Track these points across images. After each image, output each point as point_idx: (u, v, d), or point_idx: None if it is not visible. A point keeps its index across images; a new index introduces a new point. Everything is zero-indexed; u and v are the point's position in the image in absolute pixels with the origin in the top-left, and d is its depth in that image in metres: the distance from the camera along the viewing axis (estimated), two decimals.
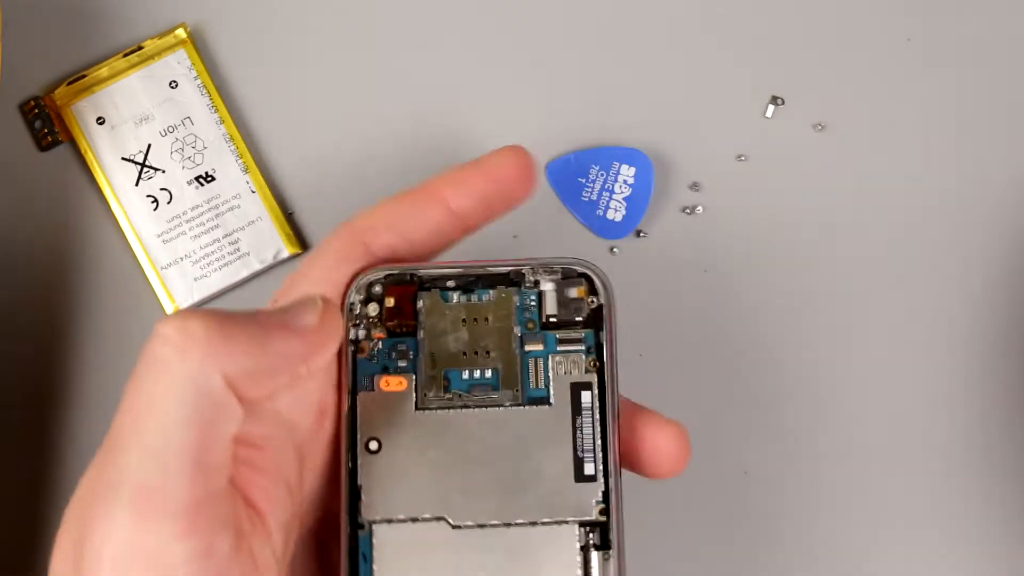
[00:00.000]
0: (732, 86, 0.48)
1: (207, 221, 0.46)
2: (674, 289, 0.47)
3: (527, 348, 0.33)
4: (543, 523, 0.32)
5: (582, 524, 0.32)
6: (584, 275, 0.34)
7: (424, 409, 0.33)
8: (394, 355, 0.33)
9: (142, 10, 0.47)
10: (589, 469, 0.33)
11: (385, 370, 0.33)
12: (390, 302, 0.33)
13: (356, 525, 0.32)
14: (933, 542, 0.46)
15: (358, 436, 0.33)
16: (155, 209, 0.46)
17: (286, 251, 0.46)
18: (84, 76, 0.47)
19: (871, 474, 0.46)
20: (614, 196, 0.47)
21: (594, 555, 0.32)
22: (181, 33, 0.47)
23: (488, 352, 0.33)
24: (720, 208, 0.47)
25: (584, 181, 0.47)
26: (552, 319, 0.34)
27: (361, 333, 0.33)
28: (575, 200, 0.47)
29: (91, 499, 0.29)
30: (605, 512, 0.33)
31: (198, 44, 0.47)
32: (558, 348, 0.33)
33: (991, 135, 0.48)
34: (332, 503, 0.34)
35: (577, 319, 0.33)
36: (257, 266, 0.46)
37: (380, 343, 0.33)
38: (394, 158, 0.47)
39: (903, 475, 0.46)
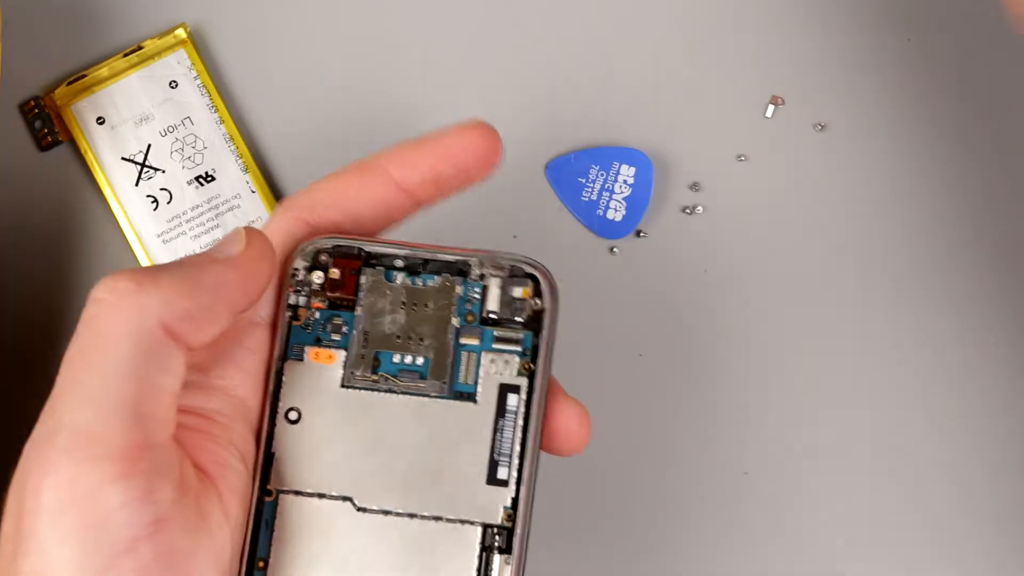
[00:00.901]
0: (732, 86, 0.48)
1: (207, 221, 0.46)
2: (674, 289, 0.47)
3: (462, 341, 0.33)
4: (448, 520, 0.32)
5: (487, 526, 0.32)
6: (531, 276, 0.33)
7: (349, 387, 0.33)
8: (329, 328, 0.33)
9: (142, 10, 0.47)
10: (503, 473, 0.32)
11: (318, 341, 0.33)
12: (334, 273, 0.33)
13: (264, 491, 0.32)
14: (934, 542, 0.46)
15: (280, 404, 0.32)
16: (155, 209, 0.46)
17: None
18: (84, 76, 0.47)
19: (873, 474, 0.46)
20: (614, 196, 0.47)
21: (496, 558, 0.32)
22: (181, 33, 0.47)
23: (422, 339, 0.33)
24: (720, 208, 0.47)
25: (584, 181, 0.47)
26: (492, 315, 0.33)
27: (301, 300, 0.33)
28: (575, 200, 0.47)
29: (30, 449, 0.29)
30: (512, 519, 0.32)
31: (198, 44, 0.47)
32: (493, 346, 0.33)
33: (991, 135, 0.48)
34: None
35: (517, 319, 0.33)
36: None
37: (318, 313, 0.33)
38: None
39: (906, 475, 0.46)
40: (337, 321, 0.33)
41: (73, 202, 0.47)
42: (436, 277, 0.33)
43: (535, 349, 0.33)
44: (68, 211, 0.47)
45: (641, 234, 0.47)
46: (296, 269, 0.33)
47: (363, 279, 0.33)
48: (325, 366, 0.33)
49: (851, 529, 0.46)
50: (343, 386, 0.33)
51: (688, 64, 0.48)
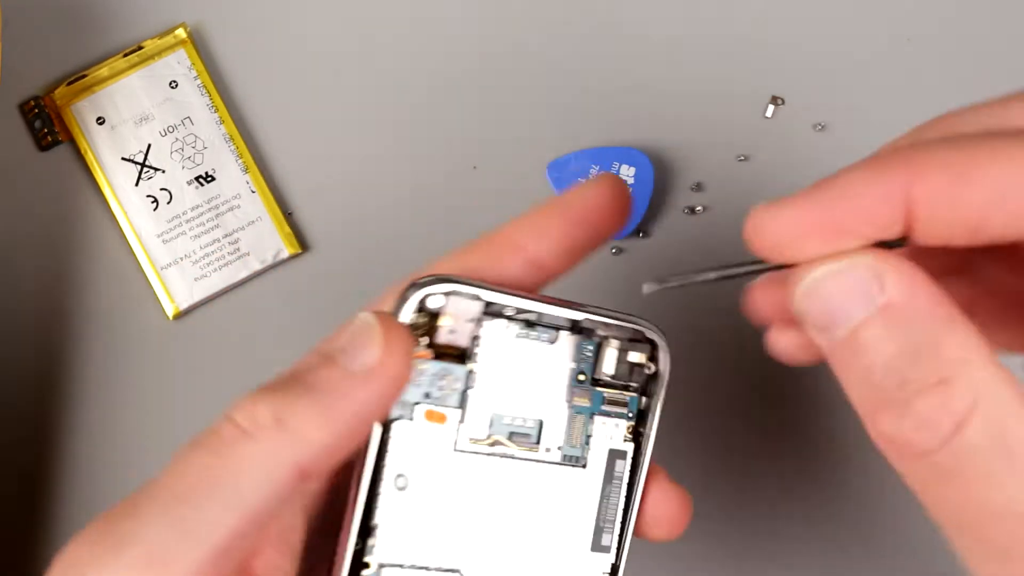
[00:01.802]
0: (732, 86, 0.48)
1: (207, 221, 0.46)
2: (675, 289, 0.47)
3: (574, 402, 0.31)
4: None
5: None
6: (651, 341, 0.32)
7: (463, 451, 0.30)
8: (440, 383, 0.30)
9: (142, 10, 0.47)
10: (606, 540, 0.31)
11: (427, 397, 0.30)
12: (447, 322, 0.30)
13: (360, 564, 0.30)
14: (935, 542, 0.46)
15: (384, 470, 0.30)
16: (155, 209, 0.46)
17: (286, 251, 0.46)
18: (84, 76, 0.46)
19: (877, 474, 0.46)
20: None
21: None
22: (181, 33, 0.47)
23: (535, 400, 0.31)
24: (722, 208, 0.47)
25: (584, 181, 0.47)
26: (607, 377, 0.32)
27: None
28: None
29: (94, 544, 0.26)
30: None
31: (198, 44, 0.47)
32: (603, 407, 0.32)
33: None
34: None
35: (632, 384, 0.32)
36: (257, 266, 0.46)
37: (427, 364, 0.30)
38: (394, 158, 0.47)
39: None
40: (448, 376, 0.30)
41: (73, 202, 0.47)
42: (552, 331, 0.31)
43: (641, 413, 0.32)
44: (68, 211, 0.47)
45: (642, 234, 0.47)
46: (403, 315, 0.29)
47: (479, 331, 0.30)
48: (438, 427, 0.30)
49: (857, 529, 0.46)
50: (456, 450, 0.30)
51: (688, 64, 0.48)
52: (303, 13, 0.48)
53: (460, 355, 0.30)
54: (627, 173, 0.47)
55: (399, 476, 0.30)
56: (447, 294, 0.30)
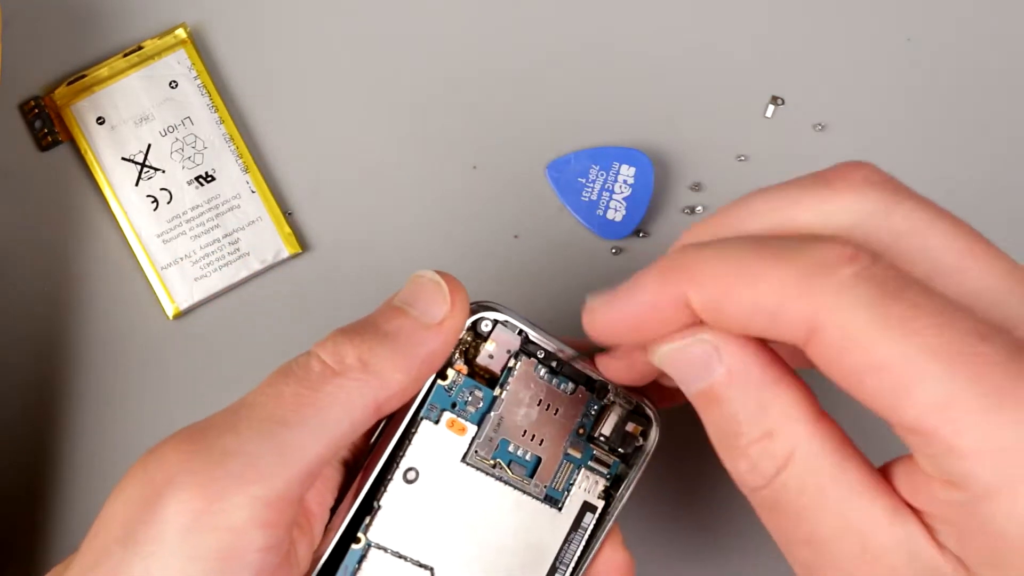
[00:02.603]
0: (732, 86, 0.48)
1: (207, 221, 0.46)
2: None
3: (568, 451, 0.34)
4: None
5: None
6: (648, 418, 0.35)
7: (468, 464, 0.33)
8: (469, 398, 0.33)
9: (142, 10, 0.47)
10: None
11: (454, 408, 0.33)
12: (490, 347, 0.34)
13: (352, 536, 0.32)
14: None
15: (401, 460, 0.33)
16: (155, 209, 0.46)
17: (286, 251, 0.46)
18: (84, 76, 0.47)
19: None
20: (614, 196, 0.47)
21: None
22: (181, 33, 0.47)
23: (542, 440, 0.34)
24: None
25: (584, 181, 0.47)
26: (601, 437, 0.35)
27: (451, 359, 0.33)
28: (575, 200, 0.47)
29: (194, 454, 0.29)
30: None
31: (198, 44, 0.47)
32: (589, 463, 0.35)
33: (991, 135, 0.48)
34: None
35: (620, 449, 0.35)
36: (257, 266, 0.46)
37: (462, 379, 0.33)
38: (394, 158, 0.47)
39: None
40: (478, 394, 0.33)
41: (73, 202, 0.47)
42: (572, 384, 0.34)
43: (617, 478, 0.35)
44: (68, 211, 0.47)
45: (641, 234, 0.47)
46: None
47: (517, 365, 0.34)
48: (456, 437, 0.33)
49: None
50: (463, 460, 0.33)
51: (688, 64, 0.48)
52: (303, 13, 0.48)
53: (491, 379, 0.34)
54: (627, 173, 0.47)
55: (410, 469, 0.33)
56: (497, 323, 0.34)
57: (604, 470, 0.35)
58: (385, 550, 0.32)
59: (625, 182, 0.47)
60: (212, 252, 0.46)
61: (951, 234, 0.27)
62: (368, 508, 0.32)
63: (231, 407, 0.30)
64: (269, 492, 0.28)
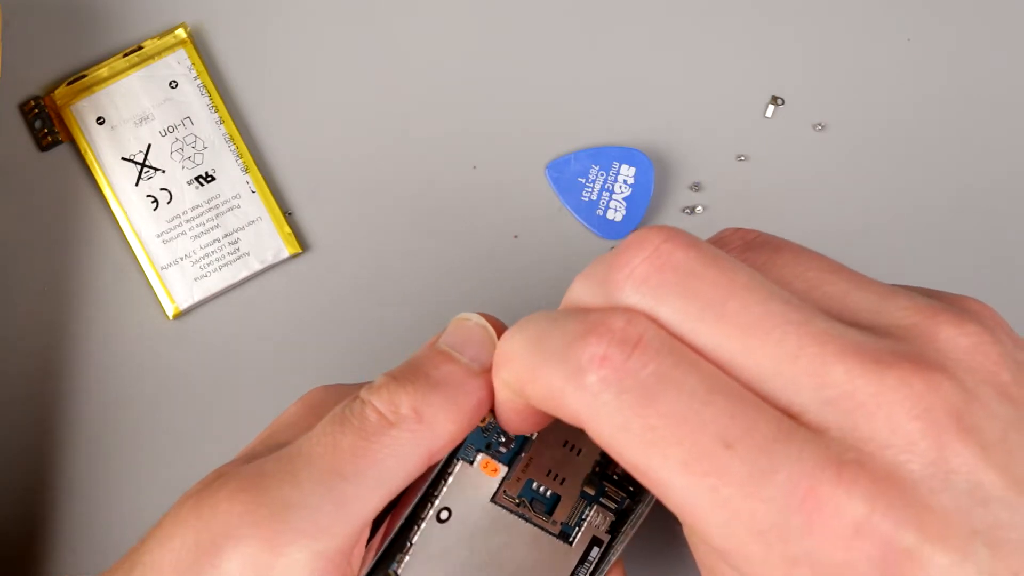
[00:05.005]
0: (732, 86, 0.48)
1: (207, 221, 0.46)
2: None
3: (584, 488, 0.35)
4: None
5: None
6: None
7: (496, 504, 0.34)
8: (501, 438, 0.34)
9: (142, 10, 0.47)
10: None
11: (488, 448, 0.34)
12: None
13: (383, 569, 0.33)
14: None
15: (436, 500, 0.33)
16: (155, 209, 0.46)
17: (286, 251, 0.46)
18: (84, 76, 0.47)
19: None
20: (614, 196, 0.47)
21: None
22: (181, 33, 0.47)
23: (563, 480, 0.35)
24: (721, 208, 0.47)
25: (584, 181, 0.47)
26: (615, 475, 0.35)
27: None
28: (575, 200, 0.47)
29: (255, 505, 0.29)
30: None
31: (198, 44, 0.47)
32: (601, 499, 0.35)
33: (991, 135, 0.48)
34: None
35: (630, 487, 0.35)
36: (257, 266, 0.46)
37: (494, 418, 0.33)
38: (393, 158, 0.47)
39: None
40: (508, 435, 0.34)
41: (73, 202, 0.47)
42: None
43: (623, 513, 0.35)
44: (68, 211, 0.47)
45: None
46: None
47: None
48: (488, 478, 0.34)
49: None
50: (492, 500, 0.34)
51: (688, 64, 0.48)
52: (303, 13, 0.48)
53: None
54: (627, 173, 0.47)
55: (444, 509, 0.33)
56: None
57: (612, 505, 0.35)
58: None
59: (625, 182, 0.47)
60: (212, 252, 0.46)
61: (721, 328, 0.26)
62: (401, 545, 0.33)
63: (286, 454, 0.30)
64: (329, 546, 0.28)
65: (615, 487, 0.35)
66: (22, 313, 0.46)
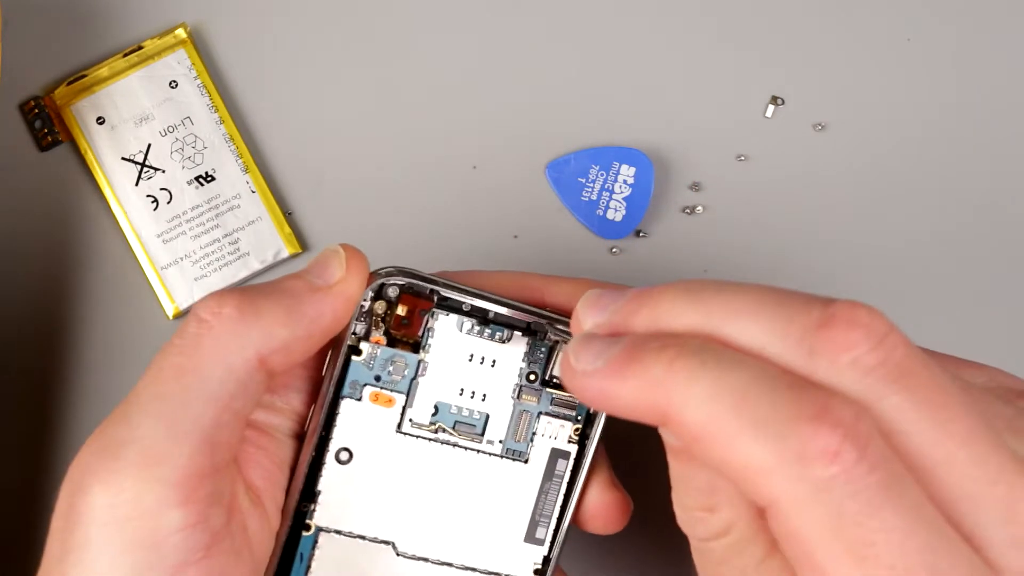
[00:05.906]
0: (732, 86, 0.48)
1: (207, 221, 0.46)
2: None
3: (522, 400, 0.33)
4: (481, 571, 0.33)
5: None
6: None
7: (405, 434, 0.32)
8: (391, 368, 0.32)
9: (142, 10, 0.47)
10: (540, 533, 0.33)
11: (377, 380, 0.32)
12: (401, 310, 0.32)
13: (301, 525, 0.32)
14: None
15: (331, 442, 0.32)
16: (155, 209, 0.46)
17: (286, 251, 0.47)
18: (84, 76, 0.47)
19: None
20: (614, 196, 0.47)
21: None
22: (181, 33, 0.47)
23: (484, 395, 0.33)
24: (720, 208, 0.47)
25: (584, 181, 0.47)
26: (555, 380, 0.33)
27: (360, 328, 0.32)
28: (575, 200, 0.47)
29: (95, 454, 0.29)
30: (540, 574, 0.33)
31: (198, 44, 0.47)
32: (550, 408, 0.33)
33: (991, 135, 0.48)
34: None
35: None
36: (257, 266, 0.46)
37: (379, 350, 0.32)
38: (393, 158, 0.47)
39: None
40: (399, 362, 0.32)
41: (73, 202, 0.47)
42: (505, 330, 0.33)
43: (589, 417, 0.33)
44: (68, 211, 0.47)
45: (641, 234, 0.47)
46: (363, 301, 0.32)
47: (432, 323, 0.33)
48: (384, 409, 0.32)
49: None
50: (399, 431, 0.32)
51: (688, 64, 0.48)
52: (303, 13, 0.48)
53: (414, 344, 0.32)
54: (627, 173, 0.47)
55: (342, 450, 0.32)
56: (403, 286, 0.32)
57: (570, 412, 0.33)
58: (337, 532, 0.32)
59: (625, 182, 0.47)
60: (212, 252, 0.46)
61: (934, 435, 0.25)
62: (311, 494, 0.32)
63: (127, 397, 0.30)
64: (171, 471, 0.28)
65: (564, 391, 0.33)
66: (22, 313, 0.46)
